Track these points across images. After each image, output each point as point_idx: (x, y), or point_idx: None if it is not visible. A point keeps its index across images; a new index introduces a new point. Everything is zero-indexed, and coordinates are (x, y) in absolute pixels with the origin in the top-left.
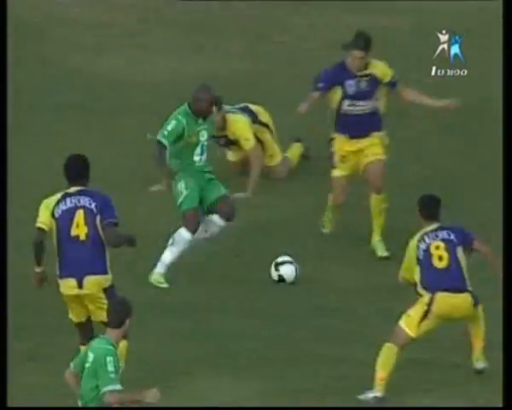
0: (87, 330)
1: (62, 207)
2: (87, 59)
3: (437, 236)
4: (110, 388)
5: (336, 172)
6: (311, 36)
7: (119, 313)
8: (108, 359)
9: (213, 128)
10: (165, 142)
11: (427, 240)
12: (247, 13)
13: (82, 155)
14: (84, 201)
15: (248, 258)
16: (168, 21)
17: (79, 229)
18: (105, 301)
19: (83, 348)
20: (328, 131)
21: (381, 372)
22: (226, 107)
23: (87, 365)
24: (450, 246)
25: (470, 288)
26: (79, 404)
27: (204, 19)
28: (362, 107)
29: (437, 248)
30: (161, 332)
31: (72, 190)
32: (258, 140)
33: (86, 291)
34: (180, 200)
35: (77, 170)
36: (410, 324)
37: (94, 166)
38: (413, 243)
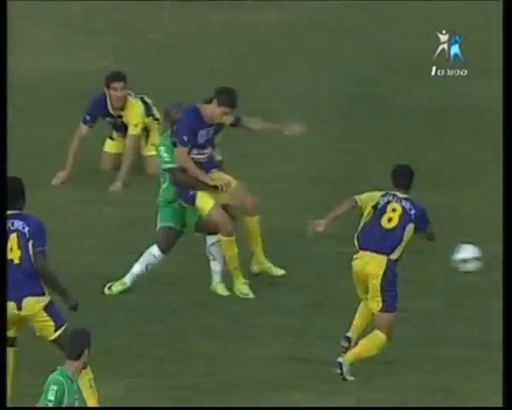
0: (13, 341)
1: None
2: None
3: (401, 201)
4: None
5: None
6: (183, 32)
7: (77, 344)
8: (52, 386)
9: None
10: (172, 165)
11: (391, 198)
12: (121, 10)
13: (17, 178)
14: (18, 224)
15: (126, 255)
16: (42, 19)
17: (13, 253)
18: (47, 318)
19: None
20: None
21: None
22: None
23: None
24: (405, 217)
25: (392, 255)
26: None
27: (77, 17)
28: (204, 155)
29: (393, 210)
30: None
31: (7, 213)
32: (147, 130)
33: (25, 313)
34: (158, 221)
35: (12, 193)
36: None
37: None
38: (381, 192)
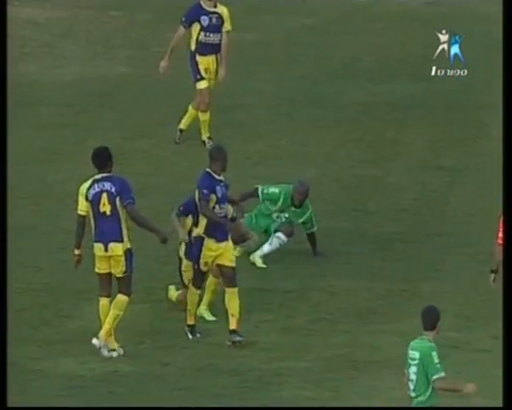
0: (107, 282)
1: (92, 191)
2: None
3: None
4: (437, 376)
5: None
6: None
7: (432, 317)
8: (433, 353)
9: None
10: None
11: None
12: (132, 27)
13: (105, 147)
14: (107, 185)
15: None
16: (73, 36)
17: (105, 207)
18: (122, 260)
19: (102, 299)
20: None
21: None
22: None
23: (415, 362)
24: None
25: None
26: (412, 395)
27: (98, 33)
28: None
29: None
30: None
31: (99, 176)
32: None
33: (110, 254)
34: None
35: (101, 159)
36: None
37: (21, 143)
38: None
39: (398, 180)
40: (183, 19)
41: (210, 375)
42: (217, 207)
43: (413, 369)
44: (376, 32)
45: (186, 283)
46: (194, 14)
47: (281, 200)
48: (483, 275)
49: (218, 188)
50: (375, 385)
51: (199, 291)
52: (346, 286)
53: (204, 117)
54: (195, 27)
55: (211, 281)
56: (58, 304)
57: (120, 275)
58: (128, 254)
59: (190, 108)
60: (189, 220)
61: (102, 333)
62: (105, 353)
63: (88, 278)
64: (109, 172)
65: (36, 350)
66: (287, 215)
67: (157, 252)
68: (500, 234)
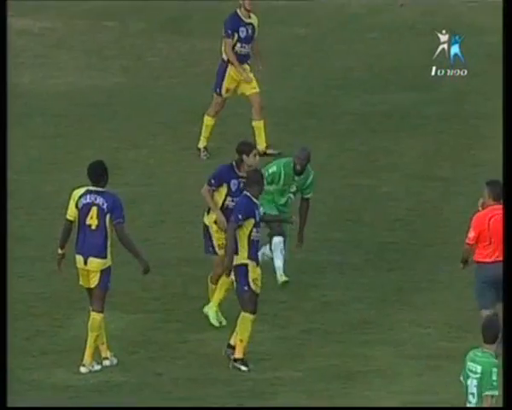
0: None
1: (83, 201)
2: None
3: None
4: (490, 393)
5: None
6: (173, 58)
7: (493, 330)
8: (494, 369)
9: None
10: None
11: None
12: (126, 38)
13: (100, 162)
14: (99, 200)
15: None
16: (67, 46)
17: (92, 220)
18: (98, 275)
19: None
20: None
21: None
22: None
23: (477, 376)
24: None
25: None
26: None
27: (92, 43)
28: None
29: None
30: None
31: (93, 188)
32: None
33: (88, 268)
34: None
35: (95, 174)
36: None
37: (15, 153)
38: None
39: (392, 190)
40: (228, 31)
41: (203, 385)
42: (254, 230)
43: (474, 382)
44: (370, 42)
45: (216, 248)
46: (235, 25)
47: (282, 174)
48: None
49: (256, 212)
50: (368, 395)
51: (255, 316)
52: (340, 296)
53: (208, 122)
54: (233, 38)
55: (224, 280)
56: (52, 314)
57: (93, 286)
58: (106, 270)
59: (255, 124)
60: (223, 193)
61: (86, 358)
62: (97, 367)
63: (81, 288)
64: (103, 186)
65: (30, 360)
66: (294, 189)
67: (149, 262)
68: (469, 234)
